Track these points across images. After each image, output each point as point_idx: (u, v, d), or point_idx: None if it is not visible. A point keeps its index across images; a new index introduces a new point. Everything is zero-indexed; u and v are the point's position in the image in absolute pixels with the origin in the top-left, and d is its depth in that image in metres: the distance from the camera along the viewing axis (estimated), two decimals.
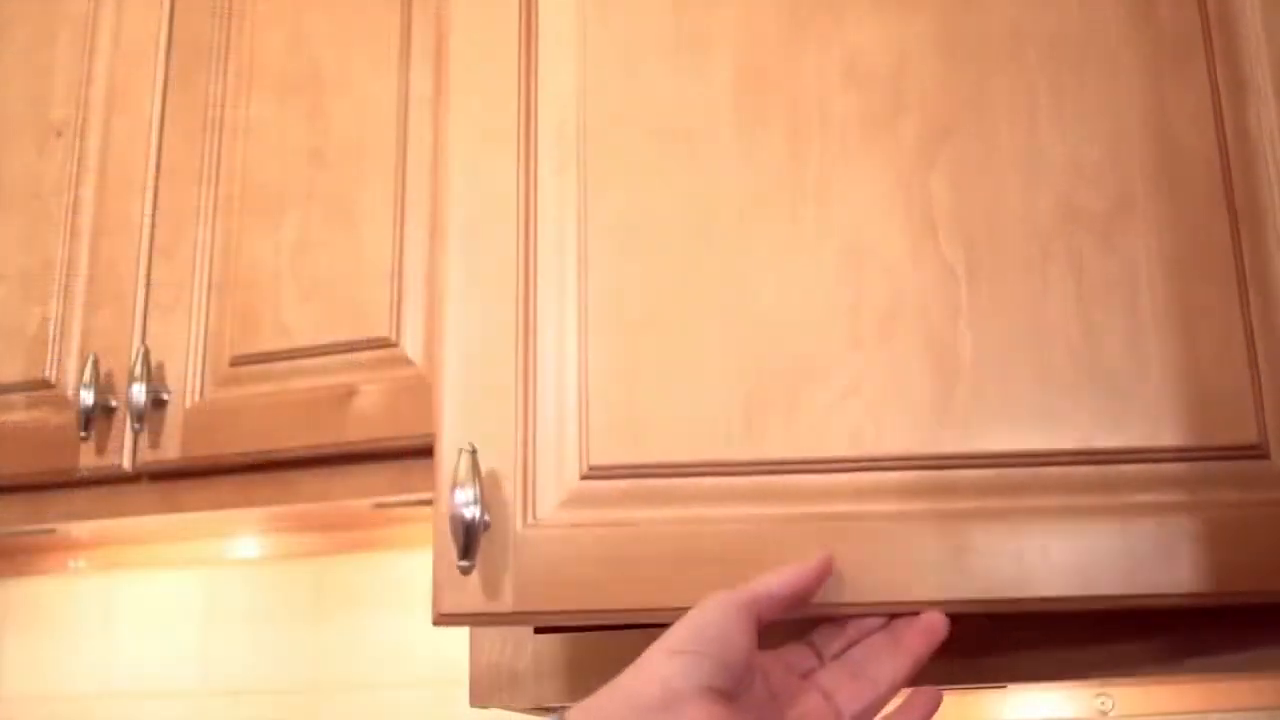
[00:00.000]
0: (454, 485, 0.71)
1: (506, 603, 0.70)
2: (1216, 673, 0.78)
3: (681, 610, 0.66)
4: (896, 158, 0.75)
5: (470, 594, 0.71)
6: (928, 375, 0.72)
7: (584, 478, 0.73)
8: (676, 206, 0.76)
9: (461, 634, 0.92)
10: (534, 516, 0.72)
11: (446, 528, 0.71)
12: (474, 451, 0.71)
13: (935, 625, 0.68)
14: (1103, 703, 1.13)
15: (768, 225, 0.75)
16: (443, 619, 0.72)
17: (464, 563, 0.70)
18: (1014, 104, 0.76)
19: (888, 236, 0.74)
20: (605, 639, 0.89)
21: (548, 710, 0.91)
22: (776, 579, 0.67)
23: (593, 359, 0.74)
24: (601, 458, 0.73)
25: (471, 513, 0.70)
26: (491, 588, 0.71)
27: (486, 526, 0.72)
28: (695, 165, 0.77)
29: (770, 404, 0.72)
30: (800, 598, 0.68)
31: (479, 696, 0.90)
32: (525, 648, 0.89)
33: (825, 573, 0.68)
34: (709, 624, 0.65)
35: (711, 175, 0.76)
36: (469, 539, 0.70)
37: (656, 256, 0.75)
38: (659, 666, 0.64)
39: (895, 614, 0.69)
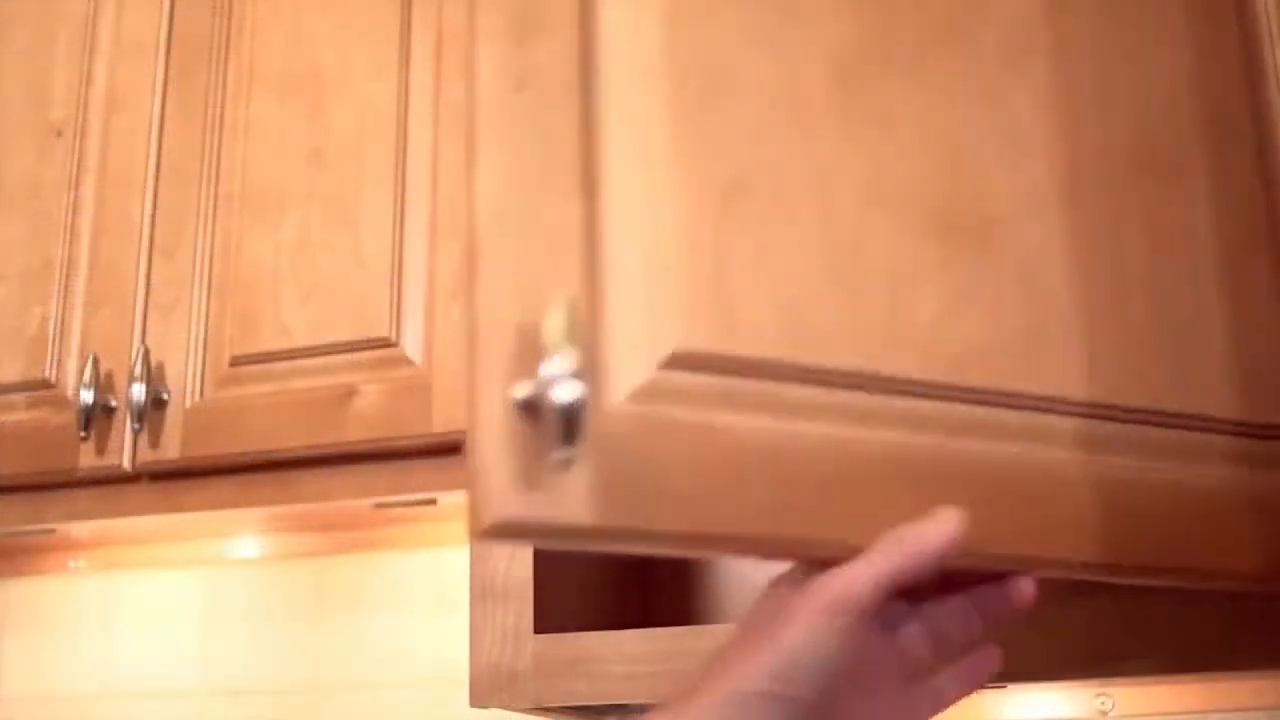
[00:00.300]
0: (540, 355, 0.51)
1: (582, 515, 0.51)
2: (1216, 672, 0.78)
3: (788, 543, 0.55)
4: (982, 60, 0.67)
5: (538, 500, 0.51)
6: (1021, 305, 0.63)
7: (664, 366, 0.55)
8: (764, 56, 0.62)
9: (461, 634, 0.92)
10: (604, 408, 0.54)
11: (498, 410, 0.51)
12: (576, 304, 0.53)
13: (1022, 593, 0.58)
14: (1103, 703, 1.12)
15: (862, 99, 0.63)
16: (497, 530, 0.51)
17: (564, 452, 0.50)
18: (1088, 32, 0.70)
19: (979, 142, 0.65)
20: (605, 638, 0.90)
21: (547, 710, 0.91)
22: (897, 561, 0.53)
23: (674, 219, 0.57)
24: (687, 343, 0.55)
25: (576, 390, 0.50)
26: (562, 495, 0.52)
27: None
28: (786, 12, 0.63)
29: (869, 308, 0.60)
30: (923, 573, 0.55)
31: (479, 696, 0.90)
32: (525, 648, 0.90)
33: (955, 540, 0.54)
34: (810, 658, 0.53)
35: (803, 28, 0.63)
36: (571, 420, 0.50)
37: (744, 111, 0.60)
38: (742, 711, 0.53)
39: (976, 570, 0.59)
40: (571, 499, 0.51)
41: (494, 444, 0.52)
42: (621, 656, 0.89)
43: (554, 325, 0.52)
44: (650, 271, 0.56)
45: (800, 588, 0.55)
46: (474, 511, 0.51)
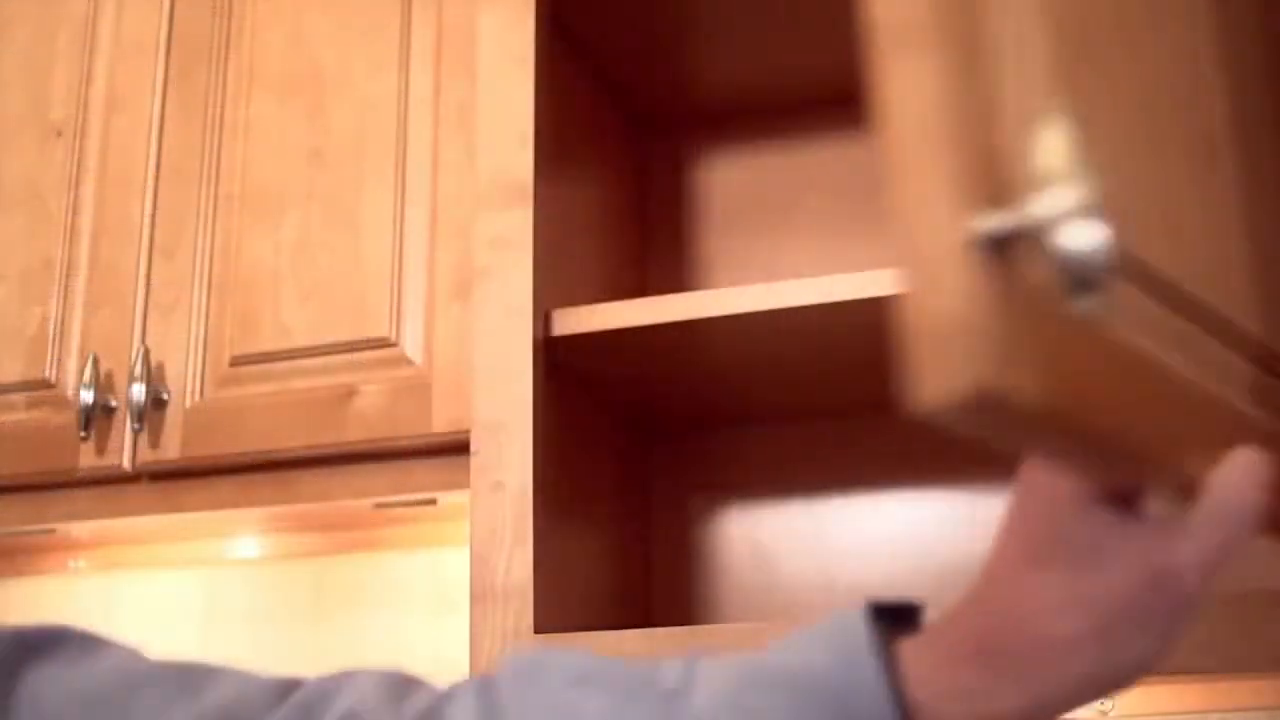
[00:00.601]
0: (1022, 185, 0.40)
1: (1029, 393, 0.39)
2: (1216, 673, 0.77)
3: (1172, 470, 0.46)
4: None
5: (1017, 367, 0.38)
6: (1236, 222, 0.59)
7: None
8: None
9: (461, 634, 0.92)
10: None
11: (956, 249, 0.38)
12: (1079, 124, 0.41)
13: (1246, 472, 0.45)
14: (1103, 703, 1.12)
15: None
16: (973, 402, 0.37)
17: (1086, 300, 0.39)
18: None
19: (1196, 75, 0.62)
20: (605, 638, 0.90)
21: None
22: (1235, 532, 0.44)
23: (1045, 65, 0.46)
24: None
25: (1096, 233, 0.38)
26: (1033, 364, 0.39)
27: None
28: None
29: (1160, 208, 0.52)
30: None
31: None
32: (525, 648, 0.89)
33: (1266, 492, 0.45)
34: (1154, 661, 0.45)
35: None
36: (1087, 271, 0.39)
37: None
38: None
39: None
40: (1036, 369, 0.40)
41: (955, 289, 0.38)
42: (622, 656, 0.89)
43: (1051, 150, 0.40)
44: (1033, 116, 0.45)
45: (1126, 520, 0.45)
46: (929, 373, 0.38)
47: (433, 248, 1.16)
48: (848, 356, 1.02)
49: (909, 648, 0.46)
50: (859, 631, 0.46)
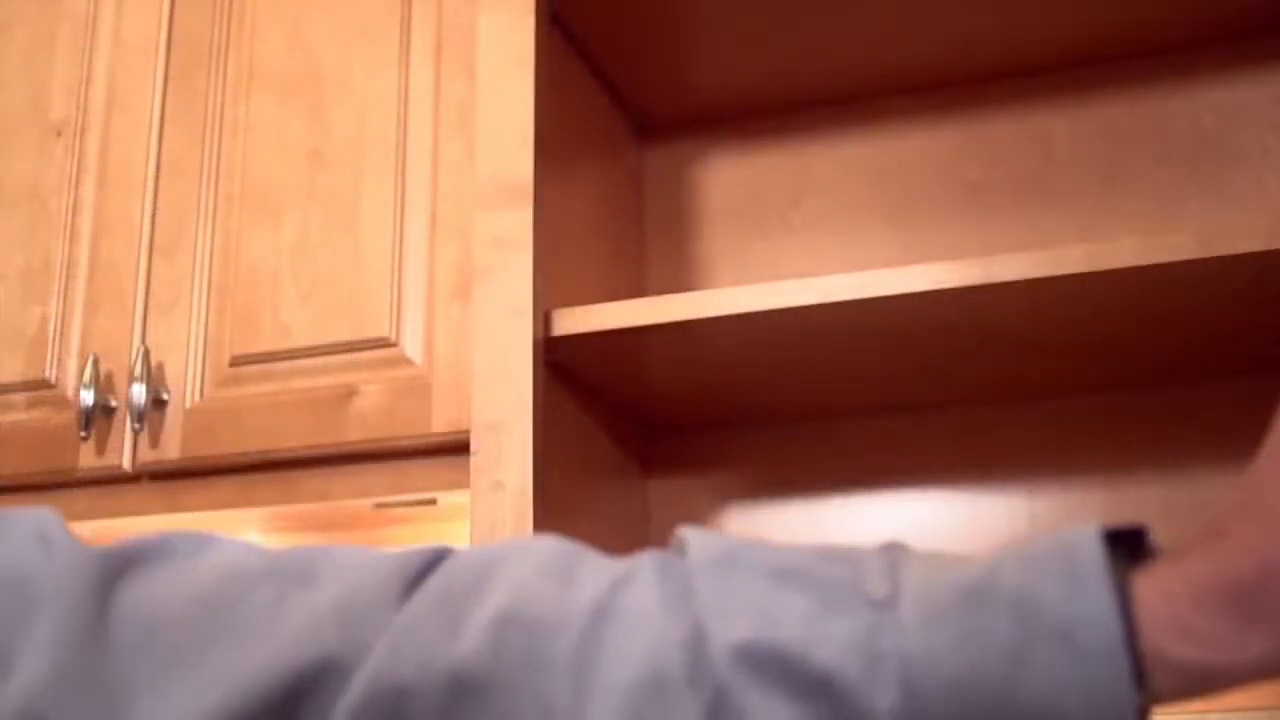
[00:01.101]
0: None
1: None
2: None
3: None
4: None
5: None
6: None
7: None
8: None
9: None
10: None
11: None
12: None
13: None
14: None
15: None
16: None
17: None
18: None
19: None
20: None
21: None
22: None
23: None
24: None
25: None
26: None
27: None
28: None
29: None
30: None
31: None
32: None
33: None
34: None
35: None
36: None
37: None
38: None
39: None
40: None
41: None
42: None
43: None
44: None
45: None
46: None
47: (433, 248, 1.16)
48: (847, 356, 1.02)
49: (1144, 583, 0.41)
50: (1094, 561, 0.41)
